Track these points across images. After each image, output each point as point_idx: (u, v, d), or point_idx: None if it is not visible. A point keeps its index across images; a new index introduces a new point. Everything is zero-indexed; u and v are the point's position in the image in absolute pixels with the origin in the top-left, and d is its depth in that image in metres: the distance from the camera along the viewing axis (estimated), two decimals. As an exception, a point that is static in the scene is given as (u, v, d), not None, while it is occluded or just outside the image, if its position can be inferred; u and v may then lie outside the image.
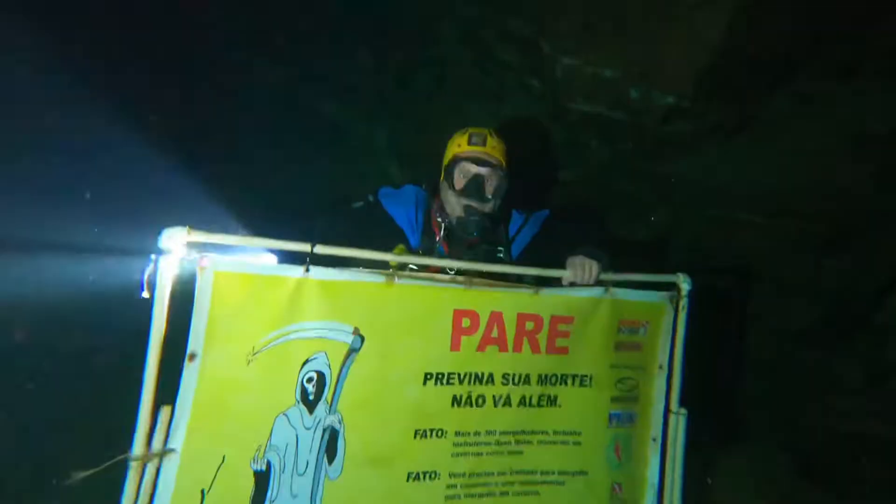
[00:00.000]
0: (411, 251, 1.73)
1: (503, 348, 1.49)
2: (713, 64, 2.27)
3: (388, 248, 1.51)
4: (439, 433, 1.43)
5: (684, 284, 1.68)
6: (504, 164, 1.77)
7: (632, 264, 1.67)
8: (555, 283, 1.62)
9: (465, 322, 1.45)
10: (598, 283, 1.61)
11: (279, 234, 1.30)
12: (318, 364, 1.32)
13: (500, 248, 1.78)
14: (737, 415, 2.68)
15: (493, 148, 1.76)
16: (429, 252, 1.73)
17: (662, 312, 1.68)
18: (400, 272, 1.42)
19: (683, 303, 1.68)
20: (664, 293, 1.70)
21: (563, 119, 2.67)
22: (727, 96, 2.33)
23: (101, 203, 2.11)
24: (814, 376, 2.59)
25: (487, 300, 1.48)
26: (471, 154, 1.74)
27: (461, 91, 2.94)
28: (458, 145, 1.77)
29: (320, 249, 1.29)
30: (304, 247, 1.28)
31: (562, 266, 1.59)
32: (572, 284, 1.59)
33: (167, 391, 1.17)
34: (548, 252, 1.67)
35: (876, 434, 2.46)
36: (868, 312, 2.50)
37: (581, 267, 1.58)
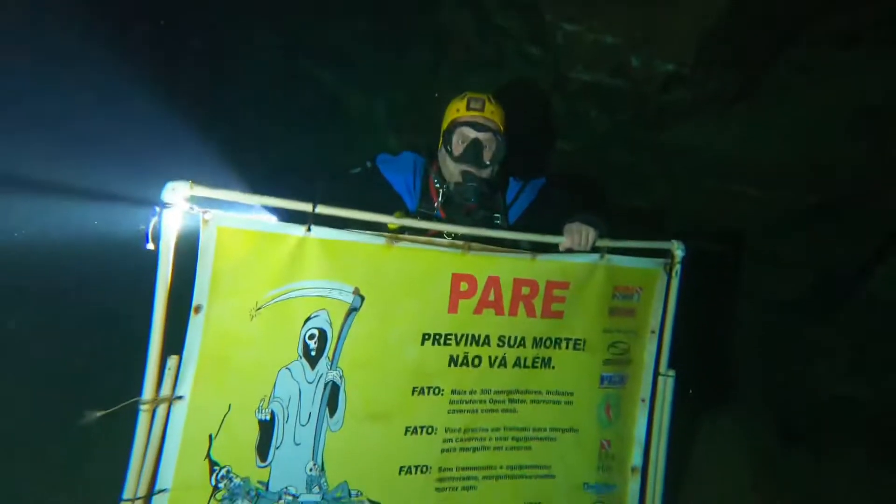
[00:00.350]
0: (410, 216, 1.74)
1: (499, 312, 1.54)
2: (714, 30, 2.26)
3: (386, 214, 1.52)
4: (436, 391, 1.49)
5: (678, 251, 1.73)
6: (502, 129, 1.78)
7: (628, 232, 1.71)
8: (551, 249, 1.65)
9: (463, 286, 1.50)
10: (594, 249, 1.64)
11: (279, 195, 1.34)
12: (320, 321, 1.36)
13: (497, 215, 1.80)
14: (723, 378, 2.77)
15: (491, 113, 1.76)
16: (427, 218, 1.74)
17: (656, 278, 1.73)
18: (400, 235, 1.45)
19: (677, 269, 1.73)
20: (658, 260, 1.74)
21: (563, 88, 2.66)
22: (728, 64, 2.32)
23: (103, 150, 2.15)
24: (800, 344, 2.67)
25: (485, 265, 1.52)
26: (469, 119, 1.74)
27: (460, 61, 2.92)
28: (457, 110, 1.78)
29: (322, 209, 1.32)
30: (306, 206, 1.31)
31: (559, 232, 1.62)
32: (569, 250, 1.63)
33: (176, 342, 1.22)
34: (544, 219, 1.69)
35: (858, 399, 2.56)
36: (855, 282, 2.57)
37: (578, 233, 1.62)
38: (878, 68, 2.38)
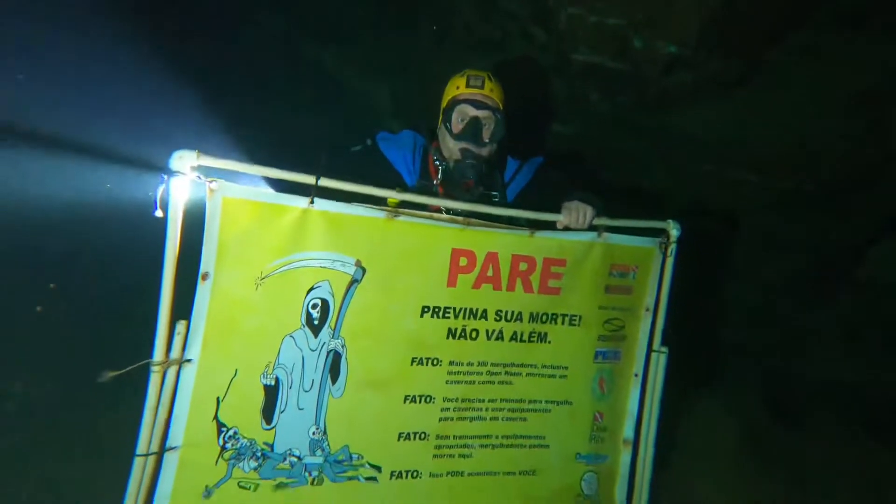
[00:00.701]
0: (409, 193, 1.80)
1: (497, 287, 1.59)
2: (717, 12, 2.27)
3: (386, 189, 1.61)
4: (435, 362, 1.55)
5: (674, 231, 1.76)
6: (501, 107, 1.79)
7: (626, 214, 1.76)
8: (550, 226, 1.69)
9: (462, 261, 1.54)
10: (592, 227, 1.68)
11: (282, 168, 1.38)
12: (322, 292, 1.41)
13: (495, 193, 1.83)
14: (717, 357, 2.83)
15: (490, 91, 1.78)
16: (426, 195, 1.73)
17: (652, 257, 1.77)
18: (401, 210, 1.49)
19: (672, 248, 1.77)
20: (654, 239, 1.78)
21: (565, 71, 2.68)
22: (730, 46, 2.33)
23: (115, 118, 2.21)
24: (793, 326, 2.73)
25: (484, 241, 1.56)
26: (469, 96, 1.76)
27: (462, 43, 2.92)
28: (457, 87, 1.80)
29: (325, 182, 1.36)
30: (309, 178, 1.35)
31: (557, 211, 1.66)
32: (566, 228, 1.66)
33: (184, 308, 1.28)
34: (541, 198, 1.72)
35: (846, 381, 2.63)
36: (849, 266, 2.61)
37: (575, 211, 1.65)
38: (878, 52, 2.40)
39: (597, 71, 2.56)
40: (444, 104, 1.84)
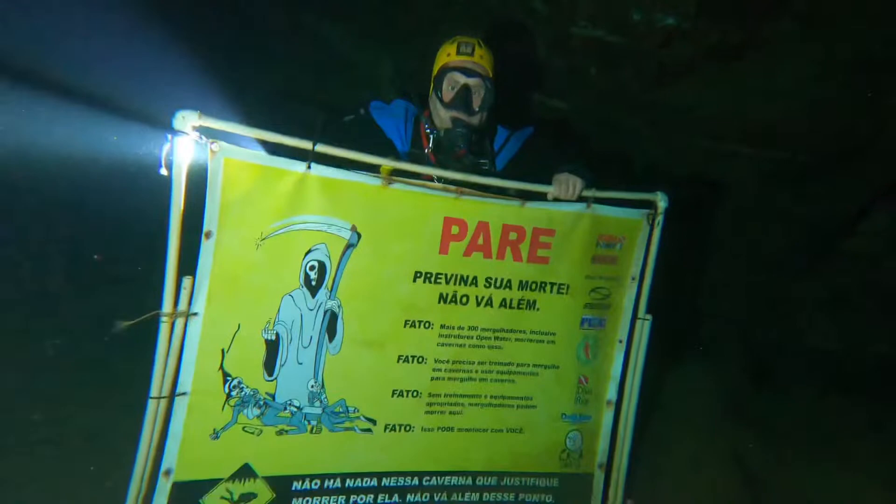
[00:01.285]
0: (401, 161, 1.84)
1: (487, 255, 1.67)
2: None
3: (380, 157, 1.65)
4: (426, 324, 1.64)
5: (661, 203, 1.83)
6: (492, 74, 1.83)
7: (618, 185, 1.82)
8: (540, 197, 1.76)
9: (454, 229, 1.62)
10: (581, 199, 1.75)
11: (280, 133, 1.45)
12: (320, 254, 1.50)
13: (484, 161, 1.87)
14: (701, 325, 2.92)
15: (480, 58, 1.82)
16: (417, 162, 1.79)
17: (639, 228, 1.83)
18: (395, 178, 1.56)
19: (659, 220, 1.84)
20: (642, 210, 1.85)
21: (565, 45, 2.71)
22: (729, 15, 2.34)
23: (125, 82, 2.30)
24: (778, 297, 2.81)
25: (476, 210, 1.64)
26: (459, 64, 1.80)
27: (465, 16, 2.95)
28: (447, 55, 1.84)
29: (321, 148, 1.43)
30: (306, 144, 1.42)
31: (546, 181, 1.73)
32: (556, 200, 1.73)
33: (190, 265, 1.38)
34: (530, 167, 1.80)
35: (831, 350, 2.72)
36: (836, 240, 2.68)
37: (565, 183, 1.72)
38: (875, 22, 2.40)
39: (596, 45, 2.58)
40: (434, 72, 1.88)
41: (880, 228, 2.57)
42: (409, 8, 3.07)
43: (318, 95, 2.99)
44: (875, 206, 2.53)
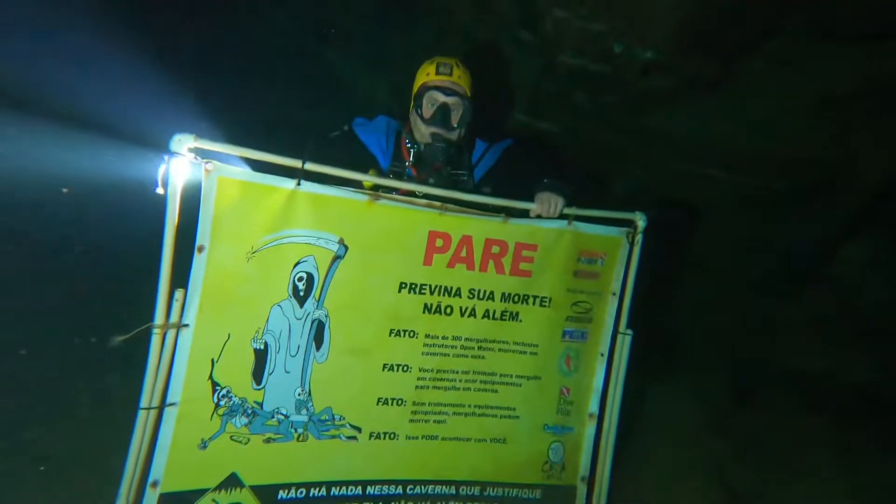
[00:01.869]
0: (383, 175, 1.97)
1: (471, 267, 1.74)
2: (693, 19, 2.44)
3: (362, 172, 1.72)
4: (411, 334, 1.70)
5: (640, 222, 1.91)
6: (469, 94, 1.95)
7: (601, 203, 1.91)
8: (523, 214, 1.83)
9: (439, 242, 1.70)
10: (562, 216, 1.83)
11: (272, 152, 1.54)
12: (308, 266, 1.57)
13: (463, 173, 2.00)
14: (683, 342, 2.95)
15: (459, 77, 1.94)
16: (399, 176, 1.96)
17: (619, 246, 1.91)
18: (383, 194, 1.65)
19: (639, 238, 1.92)
20: (622, 229, 1.93)
21: (552, 72, 2.86)
22: (705, 52, 2.49)
23: (125, 103, 2.42)
24: (760, 319, 2.88)
25: (460, 224, 1.71)
26: (438, 83, 1.92)
27: (457, 45, 3.11)
28: (427, 74, 1.96)
29: (310, 166, 1.52)
30: (296, 162, 1.51)
31: (524, 191, 1.81)
32: (539, 217, 1.82)
33: (182, 278, 1.44)
34: (508, 178, 1.91)
35: (810, 371, 2.78)
36: (817, 265, 2.77)
37: (547, 202, 1.80)
38: (847, 60, 2.57)
39: (581, 73, 2.73)
40: (414, 90, 2.00)
41: (857, 255, 2.67)
42: (406, 36, 3.24)
43: (313, 117, 3.12)
44: (851, 233, 2.63)
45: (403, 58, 3.25)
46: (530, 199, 1.84)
